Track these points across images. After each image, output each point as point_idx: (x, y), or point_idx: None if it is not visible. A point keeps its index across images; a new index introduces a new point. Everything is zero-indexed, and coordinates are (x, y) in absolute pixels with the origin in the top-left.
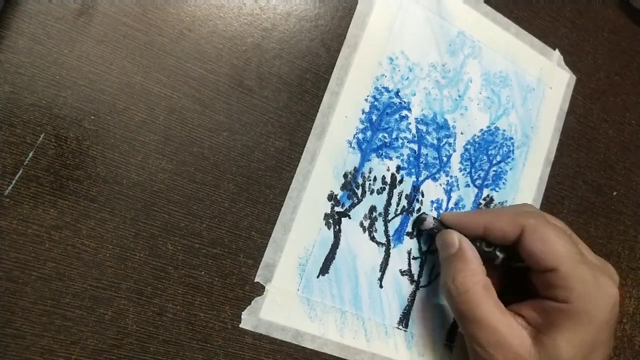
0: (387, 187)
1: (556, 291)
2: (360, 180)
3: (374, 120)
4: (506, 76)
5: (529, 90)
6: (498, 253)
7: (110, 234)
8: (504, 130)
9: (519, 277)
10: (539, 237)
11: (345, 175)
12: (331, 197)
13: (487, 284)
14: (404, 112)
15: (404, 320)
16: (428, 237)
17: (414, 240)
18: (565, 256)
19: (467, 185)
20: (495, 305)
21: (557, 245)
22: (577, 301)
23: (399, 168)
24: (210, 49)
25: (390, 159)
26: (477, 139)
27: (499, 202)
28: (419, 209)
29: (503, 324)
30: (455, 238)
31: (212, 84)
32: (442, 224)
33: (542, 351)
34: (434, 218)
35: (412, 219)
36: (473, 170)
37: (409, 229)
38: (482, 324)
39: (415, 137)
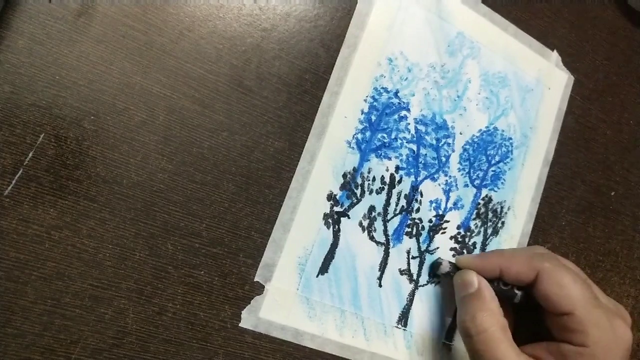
0: (386, 187)
1: (572, 335)
2: (359, 180)
3: (373, 120)
4: (505, 77)
5: (527, 90)
6: (516, 291)
7: (110, 234)
8: (503, 131)
9: (532, 316)
10: (555, 281)
11: (344, 175)
12: (330, 197)
13: (504, 325)
14: (403, 113)
15: (403, 319)
16: (427, 236)
17: (413, 239)
18: (581, 300)
19: (466, 185)
20: (512, 347)
21: (572, 289)
22: (593, 345)
23: (398, 168)
24: (210, 50)
25: (390, 159)
26: (475, 139)
27: (498, 202)
28: (418, 209)
29: None
30: (474, 278)
31: (211, 84)
32: (458, 267)
33: None
34: (450, 262)
35: (428, 264)
36: (472, 171)
37: (405, 235)
38: None
39: (414, 137)
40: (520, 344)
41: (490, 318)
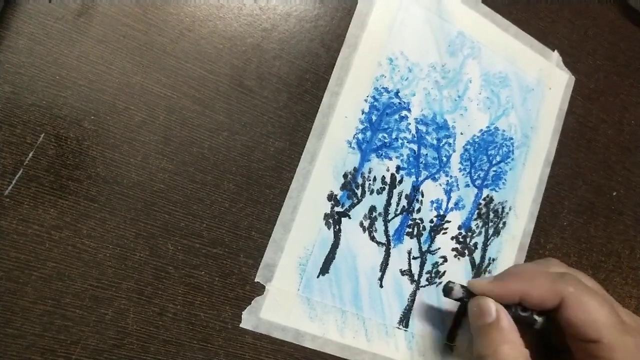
0: (387, 187)
1: None
2: (360, 181)
3: (373, 120)
4: (505, 77)
5: (528, 90)
6: (536, 317)
7: (110, 234)
8: (504, 131)
9: (553, 339)
10: (581, 307)
11: (345, 176)
12: (331, 197)
13: (527, 357)
14: (404, 113)
15: (404, 320)
16: (428, 237)
17: (414, 240)
18: (608, 327)
19: (467, 186)
20: None
21: (599, 315)
22: None
23: (398, 168)
24: (210, 49)
25: (390, 159)
26: (476, 139)
27: (499, 202)
28: (419, 209)
29: None
30: (493, 307)
31: (212, 84)
32: (471, 292)
33: None
34: (462, 286)
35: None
36: (473, 171)
37: (406, 235)
38: None
39: (414, 137)
40: None
41: (513, 351)
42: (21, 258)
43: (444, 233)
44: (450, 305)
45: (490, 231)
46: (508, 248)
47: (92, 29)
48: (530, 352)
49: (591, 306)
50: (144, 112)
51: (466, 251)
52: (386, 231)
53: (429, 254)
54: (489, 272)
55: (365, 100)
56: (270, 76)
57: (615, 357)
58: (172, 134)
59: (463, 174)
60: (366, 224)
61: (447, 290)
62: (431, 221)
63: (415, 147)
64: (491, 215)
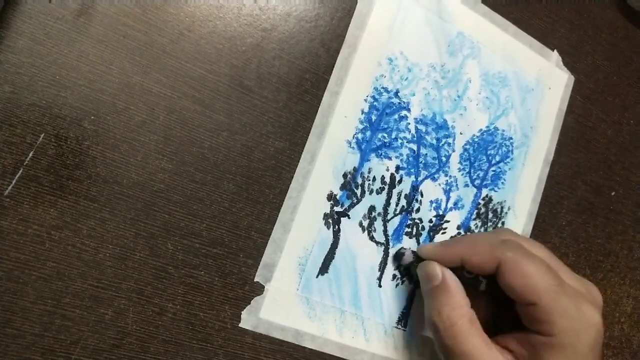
0: (387, 187)
1: (539, 325)
2: (359, 180)
3: (373, 120)
4: (505, 77)
5: (527, 90)
6: (481, 279)
7: (110, 234)
8: (503, 131)
9: (505, 304)
10: (517, 271)
11: (344, 175)
12: (330, 197)
13: (472, 317)
14: (403, 112)
15: (403, 319)
16: (427, 237)
17: (413, 240)
18: (544, 289)
19: (466, 185)
20: (482, 340)
21: (535, 278)
22: (560, 334)
23: (398, 168)
24: (210, 50)
25: (390, 159)
26: (476, 139)
27: (498, 202)
28: (418, 209)
29: (490, 359)
30: (438, 269)
31: (212, 84)
32: (420, 257)
33: None
34: (413, 252)
35: (391, 254)
36: (472, 170)
37: (405, 235)
38: (468, 359)
39: (414, 137)
40: (495, 333)
41: (457, 311)
42: (21, 258)
43: (443, 233)
44: None
45: (490, 231)
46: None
47: (92, 29)
48: (481, 316)
49: (527, 270)
50: (144, 112)
51: None
52: (385, 231)
53: None
54: None
55: (365, 100)
56: (270, 76)
57: (553, 319)
58: (172, 134)
59: (462, 174)
60: (365, 223)
61: (399, 256)
62: (430, 221)
63: (414, 147)
64: (490, 215)
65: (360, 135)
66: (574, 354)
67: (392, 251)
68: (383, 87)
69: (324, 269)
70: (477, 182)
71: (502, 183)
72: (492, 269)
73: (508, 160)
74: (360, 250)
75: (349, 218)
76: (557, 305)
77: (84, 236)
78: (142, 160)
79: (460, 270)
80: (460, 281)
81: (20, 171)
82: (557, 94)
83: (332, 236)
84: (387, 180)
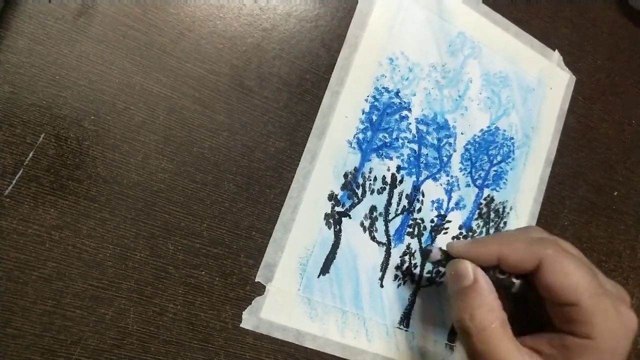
0: (388, 187)
1: (577, 326)
2: (360, 180)
3: (374, 120)
4: (506, 76)
5: (529, 90)
6: (514, 280)
7: (110, 234)
8: (505, 130)
9: (531, 305)
10: (559, 270)
11: (345, 175)
12: (331, 197)
13: (504, 321)
14: (404, 112)
15: (405, 320)
16: (429, 237)
17: (415, 240)
18: (586, 289)
19: (468, 185)
20: (513, 344)
21: (577, 278)
22: (599, 336)
23: (399, 168)
24: (210, 49)
25: (391, 158)
26: (477, 139)
27: (500, 202)
28: (420, 209)
29: None
30: (470, 269)
31: (212, 84)
32: (449, 255)
33: None
34: (440, 249)
35: (419, 250)
36: (473, 170)
37: (407, 235)
38: None
39: (415, 137)
40: (519, 334)
41: (489, 315)
42: (21, 258)
43: (444, 233)
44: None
45: (491, 231)
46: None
47: (92, 29)
48: (509, 319)
49: (569, 269)
50: (144, 112)
51: None
52: (387, 231)
53: None
54: None
55: (366, 100)
56: (271, 76)
57: (594, 321)
58: (172, 134)
59: (464, 174)
60: (367, 223)
61: (426, 253)
62: (432, 221)
63: (415, 146)
64: (492, 215)
65: (361, 135)
66: (611, 358)
67: (393, 251)
68: (384, 87)
69: (325, 269)
70: (479, 182)
71: (504, 183)
72: (532, 267)
73: (509, 160)
74: (362, 250)
75: (350, 218)
76: (598, 307)
77: (84, 236)
78: (143, 160)
79: (492, 271)
80: (492, 282)
81: (21, 171)
82: (559, 94)
83: (333, 236)
84: (388, 180)
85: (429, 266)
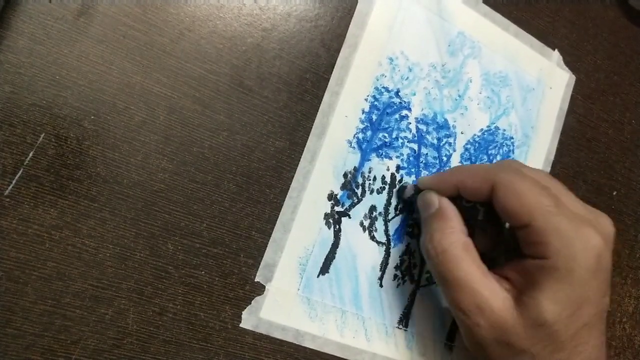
0: (387, 187)
1: (534, 247)
2: (360, 180)
3: (374, 120)
4: (506, 76)
5: (528, 90)
6: (479, 207)
7: (110, 234)
8: (504, 130)
9: (514, 240)
10: (510, 192)
11: (345, 175)
12: (331, 196)
13: (467, 244)
14: (404, 112)
15: (404, 319)
16: None
17: (415, 239)
18: (537, 209)
19: None
20: (476, 266)
21: (528, 198)
22: (554, 256)
23: (399, 168)
24: (210, 49)
25: (390, 158)
26: (477, 139)
27: None
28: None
29: (484, 286)
30: (435, 197)
31: (212, 84)
32: (420, 190)
33: (524, 313)
34: (414, 186)
35: (395, 190)
36: None
37: (407, 235)
38: (462, 286)
39: (415, 136)
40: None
41: (449, 236)
42: (21, 258)
43: None
44: None
45: None
46: None
47: (92, 29)
48: (486, 254)
49: (521, 190)
50: (144, 112)
51: None
52: (386, 231)
53: None
54: None
55: (366, 100)
56: (271, 76)
57: (547, 240)
58: (172, 134)
59: None
60: (366, 223)
61: (401, 191)
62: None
63: (415, 146)
64: None
65: (360, 135)
66: (570, 278)
67: (393, 251)
68: (384, 87)
69: (324, 269)
70: None
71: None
72: (487, 193)
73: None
74: (361, 250)
75: (349, 218)
76: (551, 226)
77: (84, 236)
78: (143, 160)
79: (459, 200)
80: (461, 211)
81: (20, 171)
82: (558, 94)
83: (332, 236)
84: (388, 180)
85: (428, 266)
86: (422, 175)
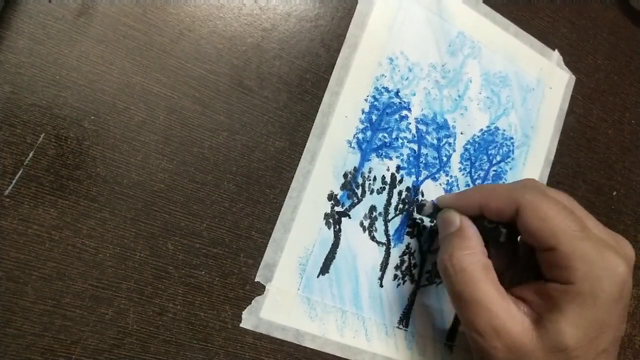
0: (387, 187)
1: (558, 271)
2: (360, 180)
3: (373, 120)
4: (506, 76)
5: (528, 90)
6: (501, 229)
7: (110, 234)
8: (504, 130)
9: (531, 260)
10: (536, 214)
11: (345, 175)
12: (331, 196)
13: (487, 265)
14: (404, 112)
15: (404, 319)
16: (428, 236)
17: (414, 239)
18: (564, 233)
19: (467, 185)
20: (495, 288)
21: (556, 221)
22: (579, 281)
23: (398, 168)
24: (210, 49)
25: (390, 158)
26: (477, 139)
27: None
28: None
29: (502, 309)
30: (456, 216)
31: (212, 84)
32: (439, 208)
33: (544, 337)
34: (433, 203)
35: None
36: (473, 170)
37: (407, 235)
38: (479, 307)
39: (415, 137)
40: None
41: (469, 256)
42: (21, 258)
43: None
44: (450, 304)
45: None
46: None
47: (92, 29)
48: (502, 270)
49: (547, 212)
50: (144, 112)
51: None
52: (386, 231)
53: (429, 254)
54: None
55: (366, 100)
56: (271, 76)
57: (573, 265)
58: (172, 134)
59: (463, 174)
60: (366, 223)
61: (420, 207)
62: (432, 221)
63: (415, 146)
64: None
65: (360, 135)
66: (594, 304)
67: (393, 251)
68: (383, 87)
69: (324, 269)
70: (478, 181)
71: (504, 183)
72: (512, 213)
73: (509, 160)
74: (361, 250)
75: (349, 218)
76: (577, 250)
77: (84, 236)
78: (142, 160)
79: (481, 220)
80: (481, 232)
81: (20, 171)
82: (558, 94)
83: (332, 236)
84: (388, 180)
85: (428, 266)
86: (421, 175)
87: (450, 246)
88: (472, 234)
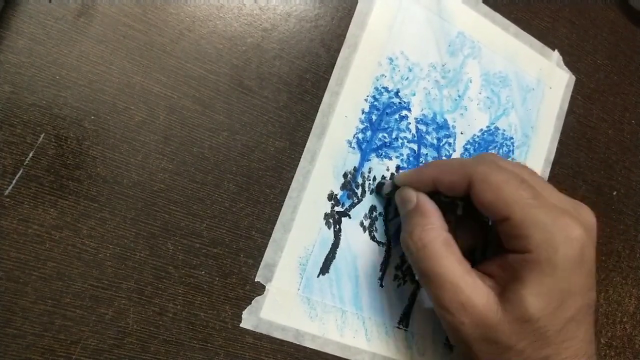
0: None
1: (515, 241)
2: (360, 180)
3: (373, 120)
4: (506, 76)
5: (528, 90)
6: (458, 202)
7: (110, 234)
8: (504, 130)
9: (493, 234)
10: (488, 186)
11: (345, 175)
12: (331, 196)
13: (447, 240)
14: (404, 112)
15: (405, 319)
16: None
17: None
18: (516, 202)
19: None
20: (457, 262)
21: (506, 191)
22: (536, 249)
23: (398, 168)
24: (210, 49)
25: (390, 158)
26: (477, 139)
27: None
28: None
29: (466, 283)
30: (413, 193)
31: (212, 84)
32: (397, 186)
33: (509, 309)
34: (392, 181)
35: (373, 187)
36: None
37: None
38: (443, 282)
39: (415, 137)
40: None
41: (430, 232)
42: (21, 258)
43: None
44: None
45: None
46: None
47: (92, 29)
48: (466, 246)
49: (498, 183)
50: (144, 112)
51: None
52: (387, 231)
53: None
54: None
55: (366, 100)
56: (271, 76)
57: (527, 233)
58: (172, 134)
59: None
60: (366, 223)
61: (379, 186)
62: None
63: (415, 146)
64: None
65: (360, 135)
66: (553, 271)
67: (393, 251)
68: (383, 87)
69: (324, 269)
70: None
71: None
72: (465, 187)
73: (509, 160)
74: (362, 250)
75: (349, 218)
76: (530, 218)
77: (84, 236)
78: (142, 160)
79: (438, 195)
80: (440, 207)
81: (20, 171)
82: (558, 94)
83: (333, 236)
84: (388, 180)
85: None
86: None
87: (409, 224)
88: (430, 209)
